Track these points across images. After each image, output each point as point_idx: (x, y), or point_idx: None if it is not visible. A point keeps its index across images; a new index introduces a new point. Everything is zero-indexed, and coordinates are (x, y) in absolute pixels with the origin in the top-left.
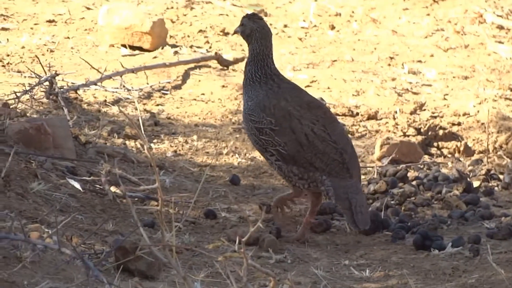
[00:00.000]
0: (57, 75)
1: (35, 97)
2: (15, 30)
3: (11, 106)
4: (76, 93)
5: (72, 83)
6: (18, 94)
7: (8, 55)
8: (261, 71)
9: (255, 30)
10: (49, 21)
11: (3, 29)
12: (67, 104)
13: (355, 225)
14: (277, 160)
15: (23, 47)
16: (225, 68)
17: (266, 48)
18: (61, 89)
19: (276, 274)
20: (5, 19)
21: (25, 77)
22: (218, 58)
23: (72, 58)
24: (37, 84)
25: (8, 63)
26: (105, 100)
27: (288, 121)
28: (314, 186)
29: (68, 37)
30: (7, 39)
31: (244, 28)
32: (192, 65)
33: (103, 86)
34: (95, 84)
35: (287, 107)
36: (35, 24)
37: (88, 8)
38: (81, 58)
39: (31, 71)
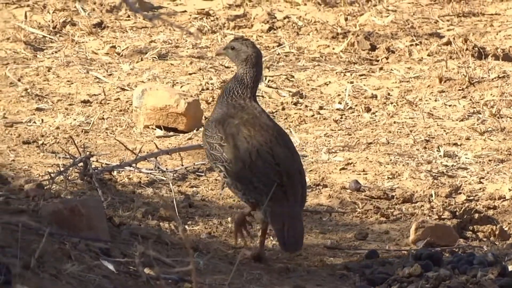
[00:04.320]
0: (92, 156)
1: (69, 178)
2: (49, 111)
3: (45, 187)
4: (111, 174)
5: (107, 164)
6: (52, 175)
7: (42, 136)
8: (240, 92)
9: (251, 55)
10: (84, 102)
11: (38, 109)
12: (102, 185)
13: (284, 246)
14: (225, 177)
15: (57, 128)
16: None
17: (259, 74)
18: (96, 170)
19: None
20: (40, 100)
21: (59, 158)
22: None
23: (107, 139)
24: (71, 165)
25: (42, 144)
26: (140, 182)
27: (236, 139)
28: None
29: (103, 118)
30: (42, 120)
31: (236, 52)
32: None
33: (138, 168)
34: (130, 166)
35: (239, 125)
36: (70, 104)
37: (123, 89)
38: (116, 139)
39: (65, 152)
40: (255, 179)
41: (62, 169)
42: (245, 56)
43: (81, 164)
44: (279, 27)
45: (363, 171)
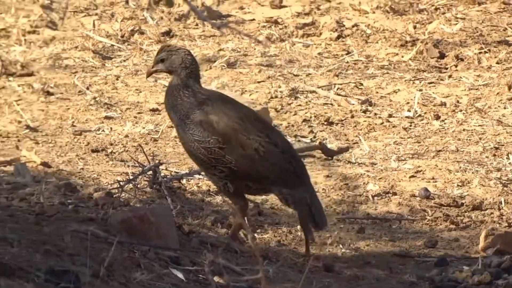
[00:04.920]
0: (161, 164)
1: (138, 186)
2: (118, 119)
3: (114, 196)
4: (180, 182)
5: (176, 172)
6: (122, 184)
7: (111, 144)
8: (191, 90)
9: (184, 58)
10: (153, 110)
11: (107, 117)
12: (171, 193)
13: (317, 226)
14: (227, 176)
15: (126, 136)
16: (329, 158)
17: (197, 69)
18: (165, 179)
19: None
20: (108, 108)
21: (128, 166)
22: (322, 148)
23: (176, 147)
24: (140, 174)
25: (111, 152)
26: (209, 190)
27: (234, 137)
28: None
29: (172, 126)
30: (111, 128)
31: (168, 62)
32: None
33: None
34: (199, 174)
35: (230, 123)
36: (139, 113)
37: None
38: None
39: (134, 160)
40: (268, 172)
41: (131, 177)
42: (179, 61)
43: (150, 172)
44: (348, 35)
45: (433, 178)
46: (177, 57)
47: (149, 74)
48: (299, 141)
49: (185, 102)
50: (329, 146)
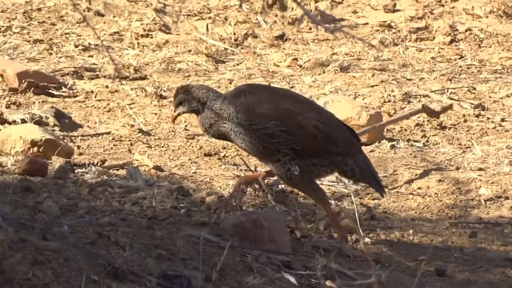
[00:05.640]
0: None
1: (250, 190)
2: None
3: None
4: None
5: None
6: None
7: (224, 148)
8: (218, 103)
9: (200, 94)
10: None
11: None
12: (283, 198)
13: (383, 191)
14: (291, 159)
15: None
16: (435, 118)
17: (215, 92)
18: (277, 183)
19: None
20: None
21: (241, 170)
22: (426, 110)
23: None
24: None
25: (224, 156)
26: None
27: (289, 119)
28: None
29: None
30: None
31: (187, 104)
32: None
33: (320, 180)
34: None
35: (283, 105)
36: None
37: None
38: None
39: (246, 164)
40: (332, 145)
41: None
42: (198, 98)
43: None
44: (461, 40)
45: None
46: (193, 96)
47: (173, 119)
48: (411, 145)
49: (223, 110)
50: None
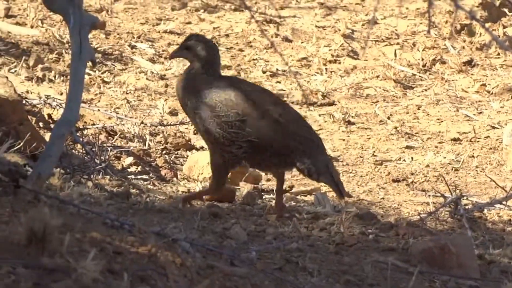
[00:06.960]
0: (463, 196)
1: (439, 217)
2: (419, 149)
3: (415, 226)
4: (481, 212)
5: (477, 202)
6: (422, 216)
7: (412, 174)
8: (208, 73)
9: (208, 46)
10: (454, 140)
11: (408, 147)
12: (471, 223)
13: (342, 195)
14: (244, 153)
15: (427, 166)
16: None
17: (216, 59)
18: (466, 209)
19: None
20: (409, 137)
21: (429, 196)
22: None
23: (477, 177)
24: (442, 206)
25: (412, 182)
26: (510, 220)
27: (255, 110)
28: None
29: (473, 156)
30: (411, 158)
31: (193, 51)
32: None
33: (508, 206)
34: (500, 203)
35: (249, 95)
36: (440, 142)
37: (493, 127)
38: (487, 175)
39: (435, 190)
40: (291, 141)
41: (431, 207)
42: (205, 52)
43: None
44: None
45: None
46: (203, 47)
47: (171, 57)
48: None
49: (203, 84)
50: None
